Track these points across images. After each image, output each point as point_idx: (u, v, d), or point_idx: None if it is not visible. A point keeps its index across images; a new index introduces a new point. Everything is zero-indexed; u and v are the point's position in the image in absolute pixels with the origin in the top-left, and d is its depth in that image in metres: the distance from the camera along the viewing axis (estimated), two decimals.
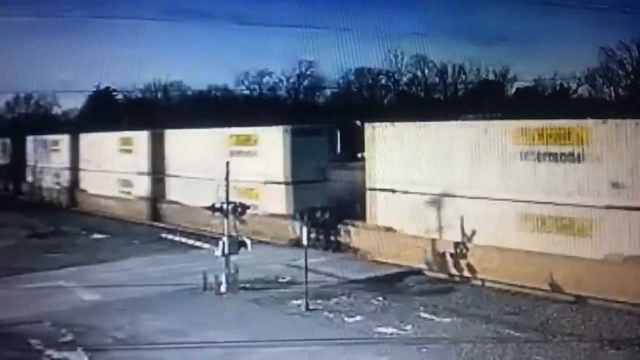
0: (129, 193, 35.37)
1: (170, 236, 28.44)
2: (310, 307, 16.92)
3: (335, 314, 16.57)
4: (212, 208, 19.39)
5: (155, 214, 32.94)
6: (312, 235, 21.99)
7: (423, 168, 21.60)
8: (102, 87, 66.77)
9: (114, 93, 68.92)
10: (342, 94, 71.82)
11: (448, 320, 15.94)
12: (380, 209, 23.17)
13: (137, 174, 34.57)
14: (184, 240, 27.44)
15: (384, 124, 23.77)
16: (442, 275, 20.25)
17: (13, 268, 21.71)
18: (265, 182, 27.23)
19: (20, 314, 16.38)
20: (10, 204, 41.84)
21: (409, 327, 15.44)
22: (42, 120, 69.40)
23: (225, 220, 19.12)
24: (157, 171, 33.43)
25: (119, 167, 35.99)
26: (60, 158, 42.53)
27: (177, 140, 33.11)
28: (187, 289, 18.70)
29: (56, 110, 71.54)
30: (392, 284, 19.65)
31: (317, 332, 15.15)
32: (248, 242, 19.05)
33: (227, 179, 19.11)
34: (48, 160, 44.07)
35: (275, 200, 26.79)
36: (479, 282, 19.29)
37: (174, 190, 32.58)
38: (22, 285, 19.60)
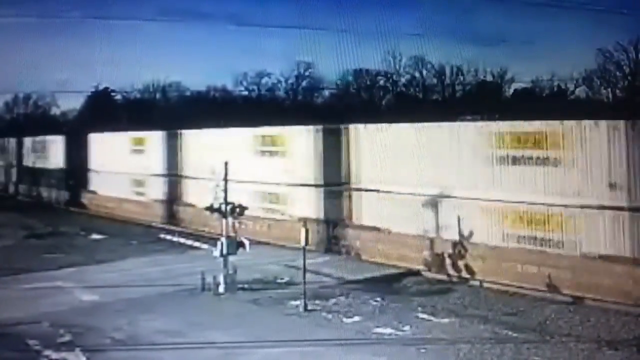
0: (282, 213, 26.37)
1: (168, 237, 28.41)
2: (309, 307, 16.93)
3: (334, 314, 16.59)
4: (211, 209, 19.36)
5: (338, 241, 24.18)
6: None
7: None
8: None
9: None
10: None
11: (446, 320, 15.97)
12: None
13: (290, 185, 26.15)
14: (182, 240, 27.43)
15: None
16: None
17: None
18: (582, 207, 18.50)
19: (19, 314, 16.38)
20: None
21: (407, 327, 15.48)
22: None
23: (224, 221, 19.11)
24: (333, 182, 24.71)
25: (260, 176, 26.75)
26: (147, 161, 33.69)
27: (375, 138, 23.91)
28: (185, 289, 18.69)
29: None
30: (390, 284, 19.67)
31: (315, 332, 15.16)
32: (246, 242, 19.05)
33: (225, 179, 19.09)
34: (125, 163, 35.12)
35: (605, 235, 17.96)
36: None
37: (367, 209, 23.77)
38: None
